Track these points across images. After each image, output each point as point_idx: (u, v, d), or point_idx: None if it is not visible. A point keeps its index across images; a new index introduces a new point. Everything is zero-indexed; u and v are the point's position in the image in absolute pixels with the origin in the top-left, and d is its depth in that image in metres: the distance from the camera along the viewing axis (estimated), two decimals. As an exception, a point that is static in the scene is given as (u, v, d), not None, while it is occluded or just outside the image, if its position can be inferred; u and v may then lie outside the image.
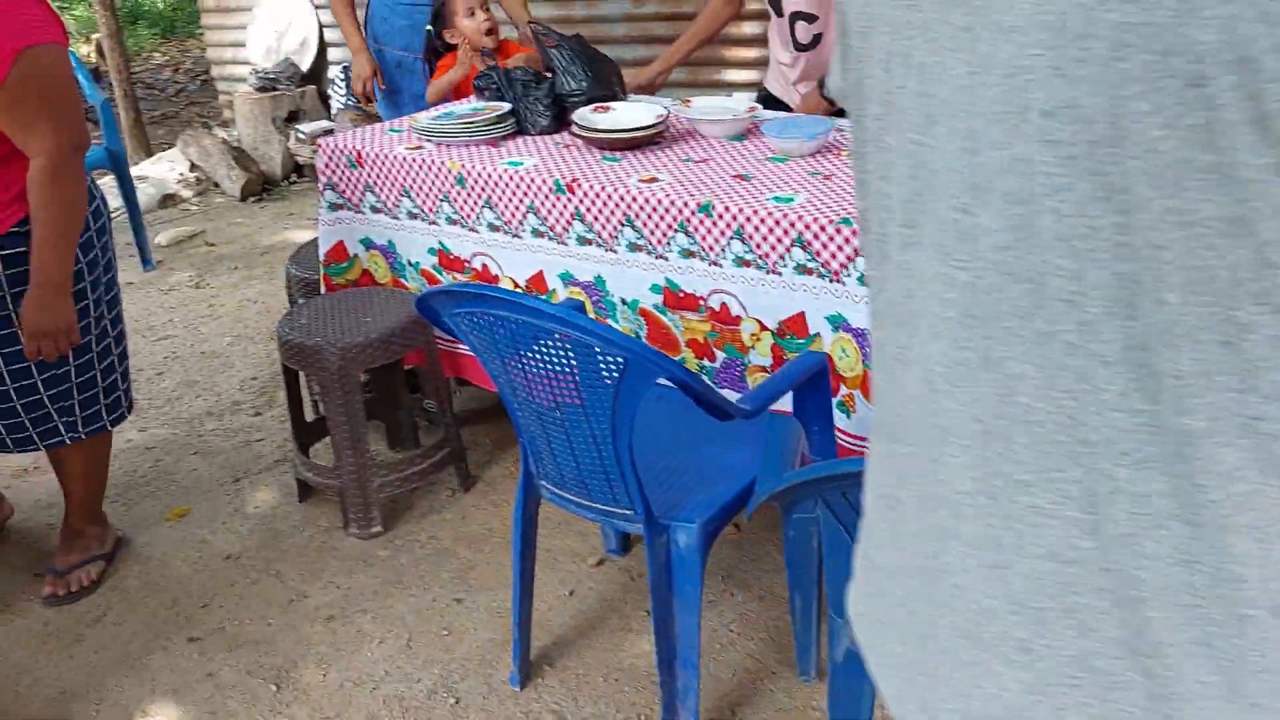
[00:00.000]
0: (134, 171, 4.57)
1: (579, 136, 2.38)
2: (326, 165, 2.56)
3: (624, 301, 2.19)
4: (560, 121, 2.55)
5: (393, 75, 3.39)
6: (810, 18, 2.68)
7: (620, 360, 1.41)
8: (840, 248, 1.83)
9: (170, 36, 9.48)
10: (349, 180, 2.54)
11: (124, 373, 2.23)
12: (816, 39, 2.71)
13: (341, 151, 2.53)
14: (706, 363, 2.09)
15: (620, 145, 2.35)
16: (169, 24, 9.46)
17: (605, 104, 2.50)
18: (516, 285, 2.36)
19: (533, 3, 3.45)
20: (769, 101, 2.82)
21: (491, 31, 3.11)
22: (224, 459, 2.78)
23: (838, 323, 1.89)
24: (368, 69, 3.35)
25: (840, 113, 2.71)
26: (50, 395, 2.04)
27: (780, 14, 2.72)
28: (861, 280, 1.83)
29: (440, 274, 2.49)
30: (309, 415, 2.63)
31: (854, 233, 1.80)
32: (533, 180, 2.22)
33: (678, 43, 2.99)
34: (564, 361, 1.49)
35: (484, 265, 2.40)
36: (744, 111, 2.46)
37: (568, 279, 2.27)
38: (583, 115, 2.41)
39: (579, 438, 1.57)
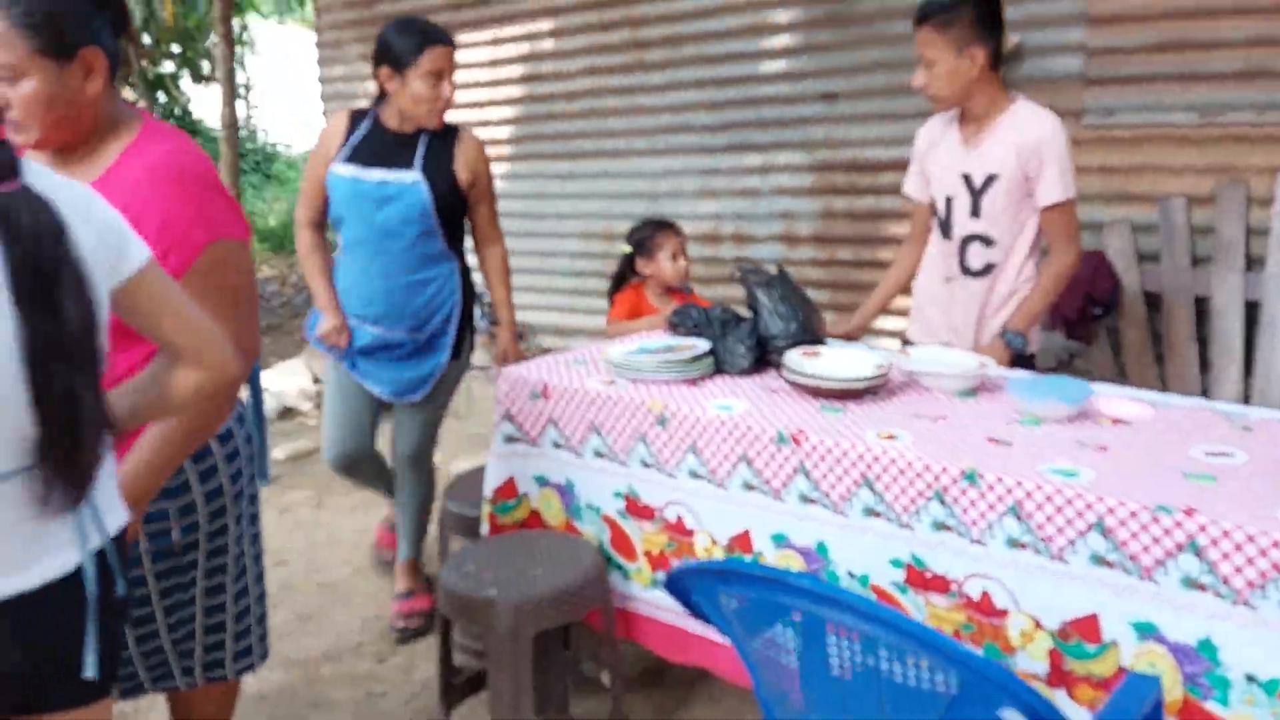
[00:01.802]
0: (259, 380, 4.57)
1: (792, 382, 2.22)
2: (506, 395, 2.44)
3: (851, 574, 1.94)
4: (760, 363, 2.41)
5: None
6: (988, 241, 2.55)
7: (956, 683, 1.14)
8: (1156, 540, 1.57)
9: (279, 251, 9.98)
10: (530, 412, 2.40)
11: (260, 617, 2.01)
12: (990, 268, 2.58)
13: (525, 382, 2.41)
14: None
15: (839, 395, 2.17)
16: (279, 240, 10.00)
17: (813, 349, 2.35)
18: (715, 542, 2.14)
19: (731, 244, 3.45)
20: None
21: (684, 274, 3.19)
22: (345, 716, 2.51)
23: (1146, 631, 1.60)
24: (338, 322, 2.84)
25: (1023, 363, 2.55)
26: (170, 626, 1.81)
27: (949, 236, 2.62)
28: (1185, 582, 1.56)
29: (625, 520, 2.28)
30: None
31: (1177, 524, 1.55)
32: (749, 428, 2.04)
33: (877, 293, 2.90)
34: (865, 669, 1.23)
35: (679, 517, 2.19)
36: (974, 366, 2.28)
37: (781, 541, 2.03)
38: (794, 359, 2.26)
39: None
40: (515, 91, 5.32)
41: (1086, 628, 1.66)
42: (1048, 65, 3.51)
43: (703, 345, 2.41)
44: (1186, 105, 3.28)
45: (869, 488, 1.89)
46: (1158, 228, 3.29)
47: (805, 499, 1.99)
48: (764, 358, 2.43)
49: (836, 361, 2.28)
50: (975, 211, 2.56)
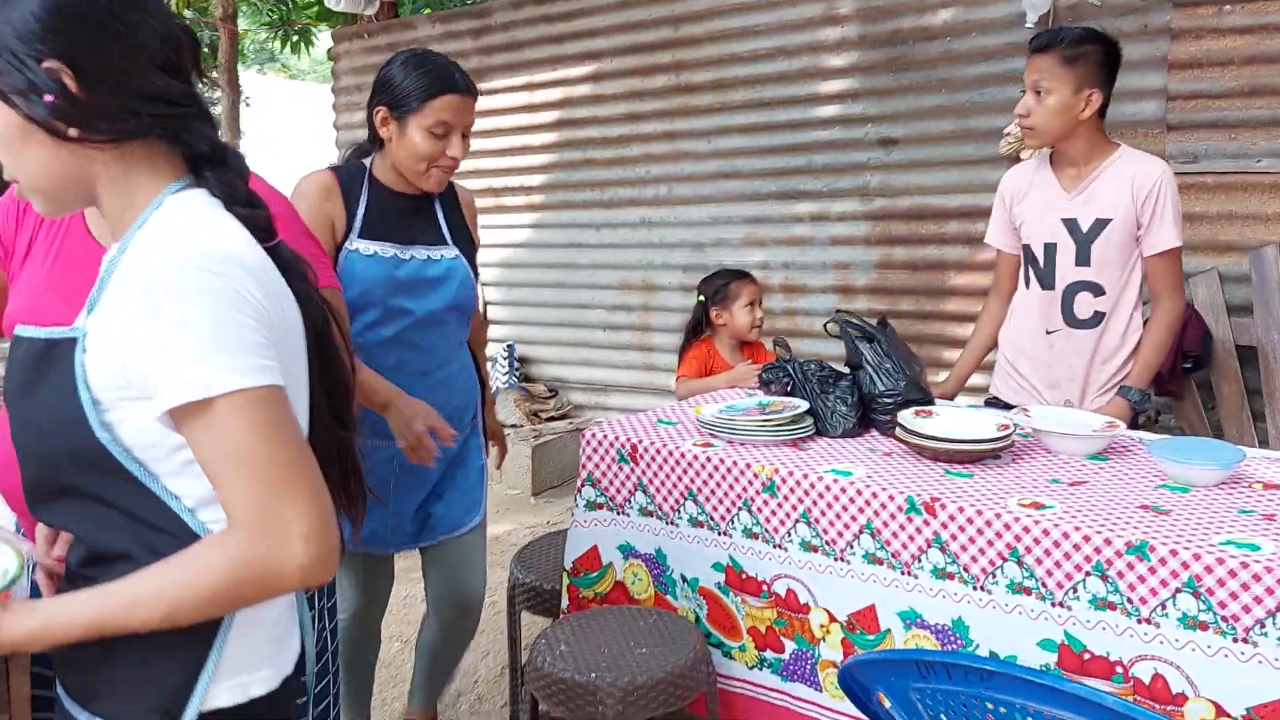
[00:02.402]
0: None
1: (908, 444, 2.11)
2: (589, 457, 2.32)
3: (994, 654, 1.81)
4: (865, 424, 2.30)
5: None
6: (1097, 289, 2.46)
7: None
8: (1364, 621, 1.45)
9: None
10: (616, 476, 2.29)
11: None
12: (1099, 317, 2.49)
13: (610, 443, 2.30)
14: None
15: (965, 458, 2.06)
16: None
17: (925, 408, 2.25)
18: (833, 618, 2.02)
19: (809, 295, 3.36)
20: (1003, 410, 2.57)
21: (758, 326, 3.13)
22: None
23: (1350, 721, 1.47)
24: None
25: (1139, 424, 2.45)
26: None
27: (1050, 286, 2.53)
28: (1399, 667, 1.44)
29: (726, 595, 2.16)
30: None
31: (1389, 603, 1.43)
32: (873, 494, 1.93)
33: (970, 349, 2.83)
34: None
35: (789, 590, 2.07)
36: (1100, 425, 2.17)
37: (913, 618, 1.91)
38: (909, 419, 2.15)
39: None
40: (550, 138, 5.27)
41: (1278, 714, 1.53)
42: (1128, 110, 3.46)
43: (801, 404, 2.30)
44: (1273, 152, 3.22)
45: (1016, 560, 1.77)
46: (1248, 277, 3.21)
47: (941, 573, 1.86)
48: (866, 417, 2.32)
49: (955, 421, 2.18)
50: (1083, 259, 2.47)
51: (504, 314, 5.63)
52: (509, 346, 5.53)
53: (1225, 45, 3.25)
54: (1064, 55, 2.38)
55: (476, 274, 2.35)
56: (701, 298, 3.14)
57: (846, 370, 2.39)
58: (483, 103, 6.07)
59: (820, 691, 2.09)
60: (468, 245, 2.33)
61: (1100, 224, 2.44)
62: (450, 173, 2.22)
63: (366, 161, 2.25)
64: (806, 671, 2.10)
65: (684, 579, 2.23)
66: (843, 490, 1.97)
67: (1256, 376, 3.23)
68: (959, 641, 1.86)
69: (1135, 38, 3.43)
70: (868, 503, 1.94)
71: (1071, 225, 2.49)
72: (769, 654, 2.14)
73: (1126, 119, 3.46)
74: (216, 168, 1.11)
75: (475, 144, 6.12)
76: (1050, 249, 2.53)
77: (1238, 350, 3.25)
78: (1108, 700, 1.10)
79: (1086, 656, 1.71)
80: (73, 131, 1.03)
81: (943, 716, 1.23)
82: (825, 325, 2.53)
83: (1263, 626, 1.54)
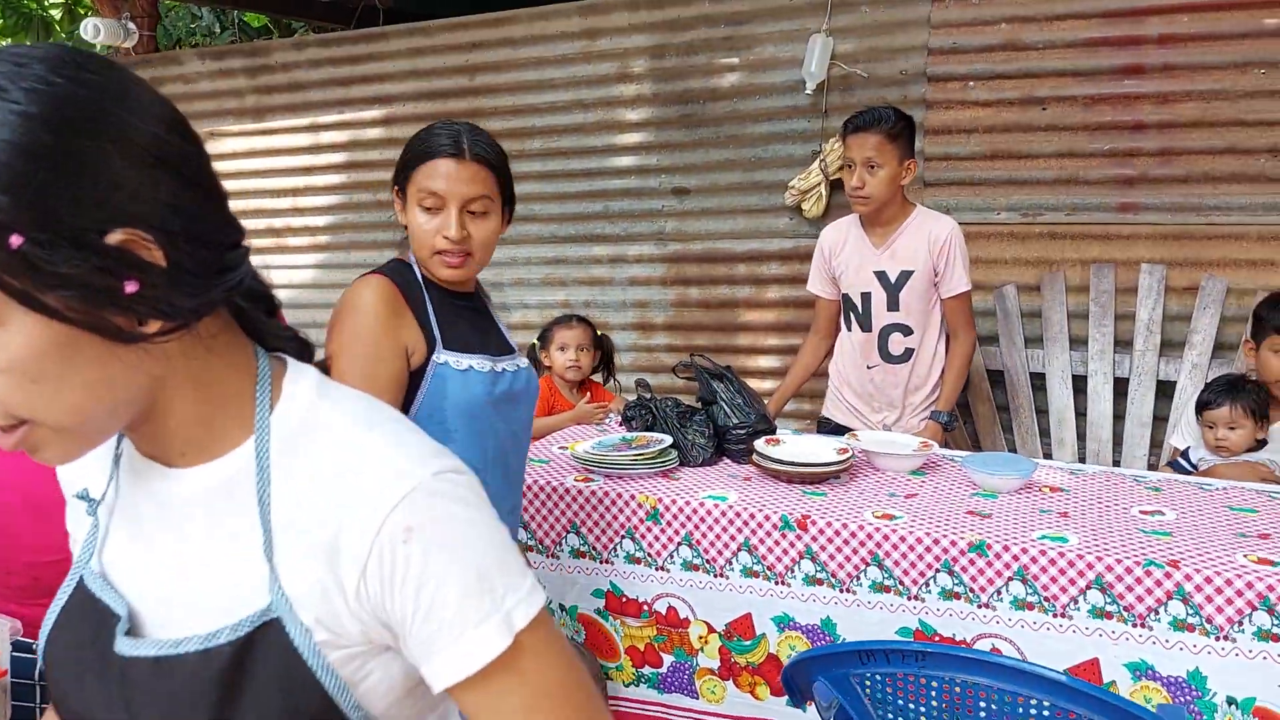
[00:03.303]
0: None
1: (766, 469, 2.42)
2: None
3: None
4: (719, 453, 2.60)
5: None
6: (906, 330, 2.92)
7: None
8: (1150, 590, 1.89)
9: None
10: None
11: None
12: (909, 353, 2.96)
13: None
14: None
15: (815, 479, 2.40)
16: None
17: (773, 437, 2.57)
18: (712, 629, 2.28)
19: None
20: (833, 430, 3.04)
21: (574, 368, 3.41)
22: None
23: (1139, 670, 1.91)
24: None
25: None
26: None
27: (869, 329, 2.97)
28: (1175, 624, 1.88)
29: (605, 619, 2.38)
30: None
31: (1166, 575, 1.88)
32: (750, 515, 2.22)
33: (789, 380, 3.30)
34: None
35: (670, 608, 2.32)
36: (917, 445, 2.58)
37: (785, 622, 2.22)
38: (764, 448, 2.47)
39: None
40: (338, 179, 5.28)
41: (1089, 672, 1.95)
42: (893, 169, 4.02)
43: (665, 438, 2.57)
44: (1010, 206, 3.85)
45: (877, 564, 2.11)
46: (994, 312, 3.81)
47: (811, 580, 2.18)
48: (720, 448, 2.62)
49: (801, 447, 2.52)
50: (893, 305, 2.92)
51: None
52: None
53: (970, 115, 3.86)
54: (889, 133, 2.82)
55: None
56: (535, 340, 3.39)
57: (699, 406, 2.68)
58: (263, 142, 5.96)
59: (697, 699, 2.35)
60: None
61: (905, 275, 2.90)
62: (459, 261, 1.81)
63: (406, 258, 1.92)
64: (684, 682, 2.36)
65: (562, 608, 2.42)
66: (722, 514, 2.25)
67: (1004, 395, 3.83)
68: (828, 638, 2.18)
69: (897, 106, 3.99)
70: (745, 523, 2.23)
71: (882, 277, 2.94)
72: (647, 669, 2.38)
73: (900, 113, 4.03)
74: (268, 315, 0.86)
75: (253, 184, 5.89)
76: (866, 297, 2.98)
77: (988, 374, 3.85)
78: (1022, 666, 1.42)
79: (936, 638, 2.08)
80: (152, 326, 0.71)
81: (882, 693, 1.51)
82: (674, 369, 2.83)
83: (1075, 603, 1.96)
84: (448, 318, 1.84)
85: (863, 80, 4.01)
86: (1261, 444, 2.71)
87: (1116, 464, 3.63)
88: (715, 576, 2.27)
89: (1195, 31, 3.53)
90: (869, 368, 3.03)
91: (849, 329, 3.08)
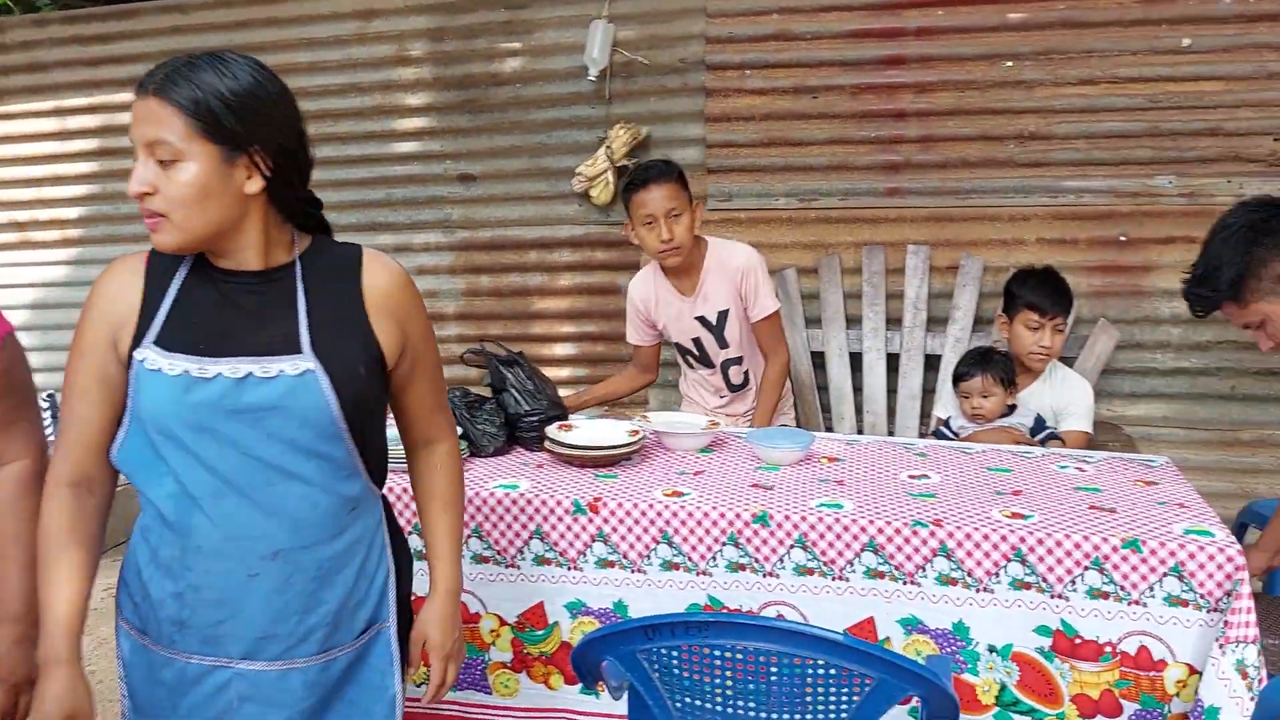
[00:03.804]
0: None
1: (560, 455, 2.43)
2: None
3: (652, 626, 2.18)
4: (511, 442, 2.59)
5: None
6: (739, 359, 3.14)
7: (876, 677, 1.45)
8: (917, 549, 2.02)
9: None
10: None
11: None
12: (747, 377, 3.20)
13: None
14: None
15: (608, 462, 2.43)
16: None
17: (565, 423, 2.58)
18: (504, 622, 2.27)
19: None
20: None
21: None
22: None
23: (912, 624, 2.04)
24: None
25: None
26: None
27: (711, 365, 3.14)
28: (940, 580, 2.02)
29: (401, 617, 2.31)
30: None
31: (930, 534, 2.01)
32: (542, 502, 2.22)
33: (592, 392, 3.36)
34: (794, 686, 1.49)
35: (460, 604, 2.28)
36: (705, 424, 2.66)
37: (578, 607, 2.23)
38: (556, 434, 2.47)
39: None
40: (89, 167, 4.90)
41: (864, 630, 2.06)
42: (676, 155, 4.08)
43: (453, 429, 2.52)
44: (788, 192, 4.02)
45: (667, 543, 2.16)
46: (779, 294, 3.97)
47: (603, 563, 2.20)
48: (512, 436, 2.61)
49: (593, 432, 2.53)
50: (723, 343, 3.11)
51: (42, 360, 5.10)
52: (49, 396, 5.03)
53: (747, 103, 3.99)
54: (679, 181, 2.97)
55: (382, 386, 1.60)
56: None
57: (489, 395, 2.65)
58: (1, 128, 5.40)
59: (490, 694, 2.33)
60: (353, 347, 1.52)
61: (723, 314, 3.08)
62: (151, 224, 1.42)
63: None
64: (477, 678, 2.33)
65: (357, 607, 2.35)
66: (513, 502, 2.24)
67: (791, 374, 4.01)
68: (617, 618, 2.21)
69: (678, 93, 4.08)
70: (537, 510, 2.23)
71: (704, 321, 3.10)
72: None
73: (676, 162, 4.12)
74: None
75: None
76: (697, 342, 3.14)
77: (773, 355, 4.02)
78: (798, 628, 1.49)
79: (725, 611, 2.14)
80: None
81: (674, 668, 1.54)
82: (463, 357, 2.78)
83: (851, 565, 2.07)
84: (191, 307, 1.47)
85: (645, 67, 4.07)
86: (1012, 409, 2.94)
87: (891, 434, 3.86)
88: (506, 567, 2.26)
89: (949, 25, 3.78)
90: (721, 397, 3.23)
91: (691, 369, 3.25)
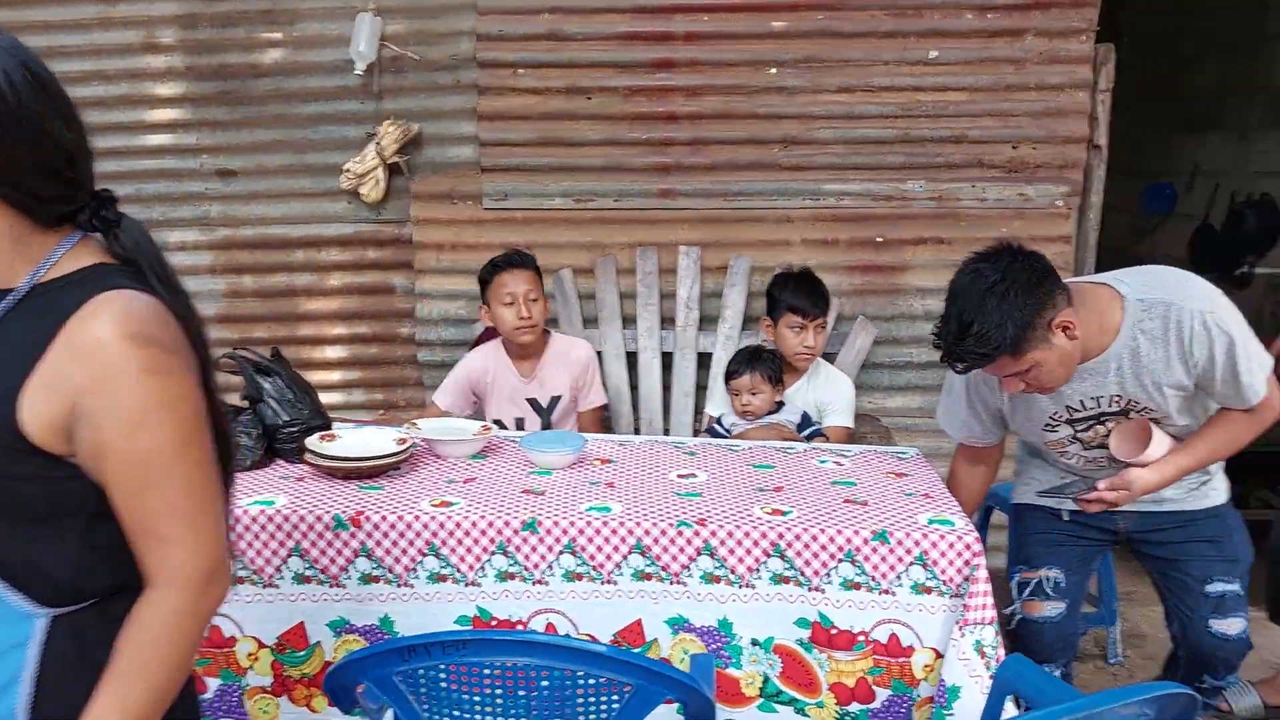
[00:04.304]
0: None
1: (322, 467, 2.34)
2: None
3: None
4: (270, 454, 2.47)
5: None
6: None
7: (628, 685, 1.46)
8: (682, 549, 2.06)
9: None
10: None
11: None
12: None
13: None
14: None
15: (372, 473, 2.35)
16: None
17: (328, 432, 2.48)
18: (262, 644, 2.17)
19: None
20: None
21: None
22: None
23: (679, 624, 2.08)
24: None
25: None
26: None
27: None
28: (705, 578, 2.07)
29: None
30: None
31: (695, 534, 2.06)
32: (300, 518, 2.12)
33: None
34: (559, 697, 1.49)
35: (213, 627, 2.16)
36: (477, 430, 2.62)
37: (341, 626, 2.15)
38: (317, 445, 2.37)
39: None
40: None
41: (633, 633, 2.09)
42: (450, 153, 4.01)
43: (204, 443, 2.37)
44: (563, 192, 4.02)
45: (435, 554, 2.11)
46: (554, 295, 3.97)
47: (367, 578, 2.13)
48: (271, 448, 2.48)
49: (358, 441, 2.44)
50: (546, 425, 3.17)
51: None
52: None
53: (521, 102, 3.96)
54: (536, 269, 3.18)
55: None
56: None
57: (245, 404, 2.51)
58: None
59: (246, 720, 2.22)
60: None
61: (555, 400, 3.18)
62: None
63: None
64: (233, 704, 2.21)
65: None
66: (269, 519, 2.13)
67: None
68: (383, 634, 2.15)
69: (451, 91, 4.00)
70: (295, 526, 2.13)
71: (534, 403, 3.19)
72: (202, 697, 2.20)
73: (449, 160, 4.03)
74: None
75: None
76: (519, 422, 3.19)
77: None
78: (553, 640, 1.48)
79: (494, 622, 2.12)
80: None
81: (423, 691, 1.50)
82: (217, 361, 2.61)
83: (619, 568, 2.09)
84: None
85: (416, 63, 3.97)
86: (780, 406, 3.06)
87: (667, 432, 3.94)
88: (264, 587, 2.15)
89: (716, 30, 3.88)
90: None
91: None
